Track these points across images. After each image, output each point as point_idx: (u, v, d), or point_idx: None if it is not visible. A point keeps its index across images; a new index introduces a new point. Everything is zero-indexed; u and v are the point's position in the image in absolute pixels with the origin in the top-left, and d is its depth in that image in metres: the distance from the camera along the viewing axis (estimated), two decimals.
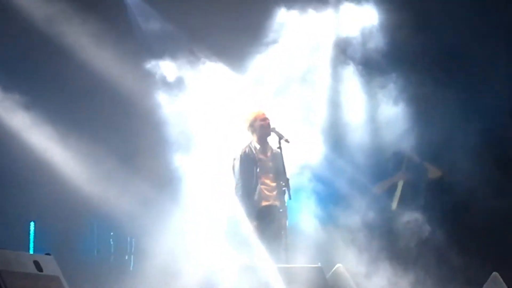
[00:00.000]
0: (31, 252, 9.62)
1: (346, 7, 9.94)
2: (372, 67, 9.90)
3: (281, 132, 7.88)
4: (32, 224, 9.97)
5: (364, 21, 9.87)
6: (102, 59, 9.46)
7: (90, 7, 9.44)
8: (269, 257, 7.56)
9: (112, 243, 10.05)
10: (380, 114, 9.92)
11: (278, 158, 7.92)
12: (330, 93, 10.05)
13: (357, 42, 9.89)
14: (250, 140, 8.14)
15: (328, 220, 9.65)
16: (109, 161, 9.40)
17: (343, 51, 9.99)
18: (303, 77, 9.87)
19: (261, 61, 9.74)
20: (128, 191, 9.27)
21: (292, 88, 9.75)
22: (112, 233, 10.04)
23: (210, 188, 9.14)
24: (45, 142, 9.23)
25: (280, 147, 7.81)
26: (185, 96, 9.60)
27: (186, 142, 9.46)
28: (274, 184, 7.99)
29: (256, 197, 7.92)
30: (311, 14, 9.89)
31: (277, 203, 7.93)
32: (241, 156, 8.02)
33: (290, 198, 7.84)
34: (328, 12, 9.95)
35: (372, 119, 9.98)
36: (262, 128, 8.03)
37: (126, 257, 10.04)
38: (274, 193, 7.98)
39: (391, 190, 9.96)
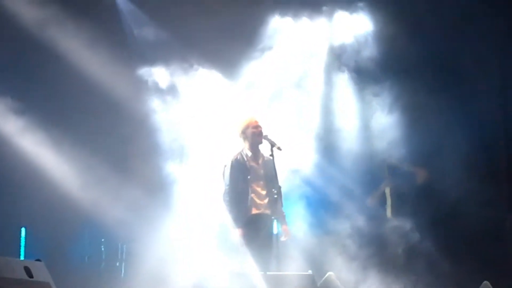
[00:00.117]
0: (22, 258, 9.59)
1: (340, 15, 9.96)
2: (365, 75, 9.93)
3: (273, 139, 7.87)
4: (23, 230, 9.94)
5: (358, 29, 9.90)
6: (95, 65, 9.46)
7: (83, 13, 9.45)
8: (258, 265, 7.54)
9: (103, 249, 10.03)
10: (372, 122, 9.94)
11: (269, 166, 7.90)
12: (324, 100, 10.07)
13: (351, 50, 9.92)
14: (242, 147, 8.13)
15: (319, 227, 9.66)
16: (101, 167, 9.38)
17: (337, 58, 10.01)
18: (296, 84, 9.89)
19: (254, 68, 9.77)
20: (119, 198, 9.26)
21: (285, 95, 9.77)
22: (103, 240, 10.02)
23: (202, 195, 9.14)
24: (37, 148, 9.22)
25: (272, 155, 7.80)
26: (178, 103, 9.61)
27: (179, 149, 9.47)
28: (264, 192, 7.98)
29: (246, 204, 7.91)
30: (305, 21, 9.91)
31: (267, 211, 7.92)
32: (232, 162, 8.01)
33: (281, 206, 7.84)
34: (321, 21, 9.97)
35: (365, 126, 10.00)
36: (254, 135, 8.03)
37: (117, 264, 10.02)
38: (265, 201, 7.96)
39: (382, 199, 9.97)
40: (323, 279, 7.86)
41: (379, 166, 9.94)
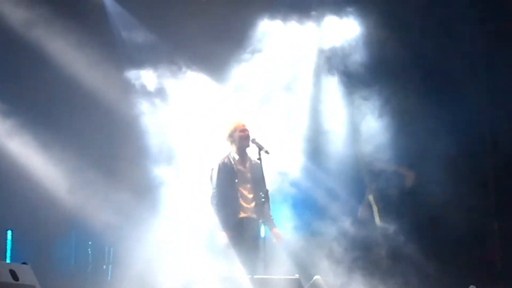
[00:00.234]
0: (8, 261, 9.55)
1: (329, 19, 9.98)
2: (355, 78, 9.94)
3: (261, 143, 7.88)
4: (9, 232, 9.89)
5: (347, 33, 9.92)
6: (83, 68, 9.45)
7: (71, 15, 9.43)
8: (245, 268, 7.54)
9: (90, 252, 10.00)
10: (361, 125, 9.96)
11: (256, 169, 7.91)
12: (313, 103, 10.08)
13: (340, 53, 9.94)
14: (230, 150, 8.13)
15: (306, 230, 9.66)
16: (88, 170, 9.36)
17: (326, 62, 10.02)
18: (286, 87, 9.89)
19: (243, 71, 9.76)
20: (107, 200, 9.23)
21: (274, 98, 9.77)
22: (90, 243, 9.99)
23: (190, 198, 9.12)
24: (24, 150, 9.19)
25: (260, 158, 7.81)
26: (166, 106, 9.60)
27: (167, 152, 9.45)
28: (251, 196, 7.98)
29: (233, 208, 7.91)
30: (294, 25, 9.92)
31: (254, 215, 7.92)
32: (219, 166, 8.02)
33: (269, 210, 7.84)
34: (310, 25, 9.99)
35: (353, 129, 10.02)
36: (241, 139, 8.03)
37: (104, 267, 9.99)
38: (252, 205, 7.97)
39: (369, 208, 9.95)
40: (310, 283, 7.86)
41: (366, 169, 9.94)
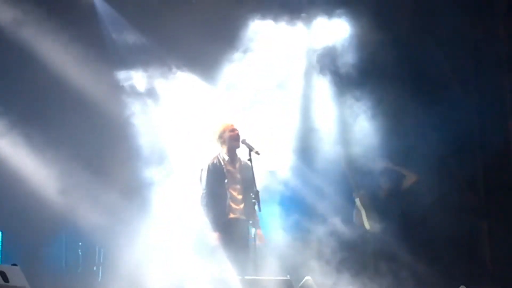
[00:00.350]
0: None
1: (319, 20, 10.00)
2: (345, 79, 9.96)
3: (251, 144, 7.89)
4: None
5: (337, 34, 9.94)
6: (73, 68, 9.44)
7: (61, 16, 9.40)
8: (236, 269, 7.54)
9: (80, 253, 9.96)
10: (351, 126, 9.97)
11: (246, 170, 7.94)
12: (303, 103, 10.10)
13: (331, 54, 9.96)
14: (219, 151, 8.13)
15: (296, 230, 9.67)
16: (79, 171, 9.34)
17: (317, 62, 10.04)
18: (276, 87, 9.90)
19: (233, 71, 9.76)
20: (97, 201, 9.22)
21: (265, 98, 9.77)
22: (80, 244, 9.95)
23: (181, 198, 9.12)
24: (14, 151, 9.17)
25: (250, 159, 7.81)
26: (157, 106, 9.60)
27: (158, 153, 9.45)
28: (241, 197, 7.99)
29: (223, 209, 7.91)
30: (285, 26, 9.93)
31: (243, 216, 7.93)
32: (208, 166, 8.03)
33: (259, 210, 7.83)
34: (301, 26, 10.01)
35: (344, 130, 10.03)
36: (231, 139, 8.05)
37: (95, 268, 9.96)
38: (241, 206, 7.97)
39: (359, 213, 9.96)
40: (301, 283, 7.88)
41: (353, 173, 9.92)
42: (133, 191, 9.52)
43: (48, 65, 9.41)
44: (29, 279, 6.25)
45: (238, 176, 8.04)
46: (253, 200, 7.71)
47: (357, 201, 9.90)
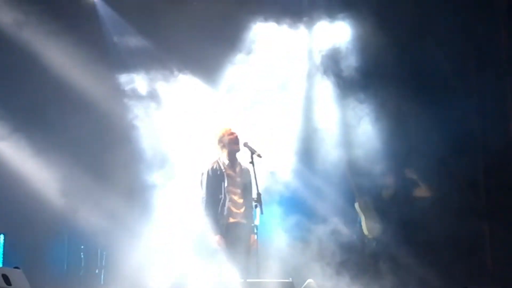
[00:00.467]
0: (0, 265, 9.52)
1: (321, 24, 10.01)
2: (348, 82, 9.97)
3: (253, 147, 7.90)
4: (1, 236, 9.86)
5: (340, 38, 9.96)
6: (75, 72, 9.46)
7: (62, 19, 9.42)
8: (237, 272, 7.54)
9: (82, 256, 9.96)
10: (352, 128, 9.98)
11: (247, 174, 7.98)
12: (306, 105, 10.11)
13: (334, 57, 9.97)
14: (219, 155, 8.13)
15: (297, 233, 9.66)
16: (81, 174, 9.36)
17: (320, 65, 10.06)
18: (278, 89, 9.91)
19: (235, 74, 9.78)
20: (99, 204, 9.23)
21: (267, 100, 9.78)
22: (82, 247, 9.95)
23: (183, 202, 9.12)
24: (16, 154, 9.18)
25: (252, 162, 7.82)
26: (158, 110, 9.60)
27: (160, 155, 9.45)
28: (241, 201, 7.99)
29: (223, 213, 7.91)
30: (287, 29, 9.95)
31: (244, 221, 7.93)
32: (208, 171, 8.03)
33: (262, 213, 7.82)
34: (303, 29, 10.02)
35: (345, 132, 10.04)
36: (231, 142, 8.06)
37: (97, 271, 9.96)
38: (242, 210, 7.96)
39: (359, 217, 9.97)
40: (303, 286, 7.88)
41: (354, 178, 9.92)
42: (135, 194, 9.53)
43: (50, 68, 9.44)
44: (31, 282, 6.25)
45: (239, 180, 8.04)
46: (255, 203, 7.71)
47: (356, 205, 9.90)
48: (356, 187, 9.84)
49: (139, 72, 9.59)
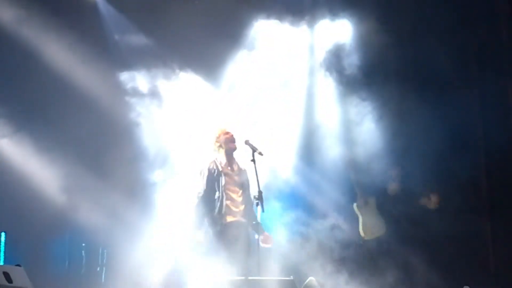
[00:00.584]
0: (1, 263, 9.52)
1: (323, 22, 10.01)
2: (351, 80, 9.97)
3: (254, 144, 7.89)
4: (2, 234, 9.86)
5: (341, 36, 9.96)
6: (76, 70, 9.46)
7: (64, 17, 9.42)
8: (238, 271, 7.53)
9: (83, 254, 9.96)
10: (353, 126, 9.98)
11: (244, 173, 8.02)
12: (307, 103, 10.12)
13: (336, 55, 9.97)
14: (217, 155, 8.13)
15: (298, 230, 9.66)
16: (82, 172, 9.35)
17: (323, 63, 10.06)
18: (281, 86, 9.92)
19: (237, 70, 9.78)
20: (100, 203, 9.23)
21: (269, 97, 9.79)
22: (83, 244, 9.95)
23: (184, 200, 9.11)
24: (17, 152, 9.18)
25: (253, 160, 7.81)
26: (160, 108, 9.61)
27: (160, 154, 9.45)
28: (241, 199, 7.98)
29: (220, 211, 7.90)
30: (289, 27, 9.95)
31: (243, 219, 7.92)
32: (204, 170, 8.03)
33: (263, 211, 7.81)
34: (304, 27, 10.02)
35: (347, 130, 10.04)
36: (227, 141, 8.09)
37: (98, 269, 9.96)
38: (241, 208, 7.95)
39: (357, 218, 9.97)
40: (304, 284, 7.88)
41: (356, 178, 9.91)
42: (136, 192, 9.53)
43: (51, 66, 9.44)
44: (32, 280, 6.25)
45: (237, 178, 8.03)
46: (257, 201, 7.70)
47: (355, 206, 9.89)
48: (358, 185, 9.83)
49: (140, 70, 9.59)
